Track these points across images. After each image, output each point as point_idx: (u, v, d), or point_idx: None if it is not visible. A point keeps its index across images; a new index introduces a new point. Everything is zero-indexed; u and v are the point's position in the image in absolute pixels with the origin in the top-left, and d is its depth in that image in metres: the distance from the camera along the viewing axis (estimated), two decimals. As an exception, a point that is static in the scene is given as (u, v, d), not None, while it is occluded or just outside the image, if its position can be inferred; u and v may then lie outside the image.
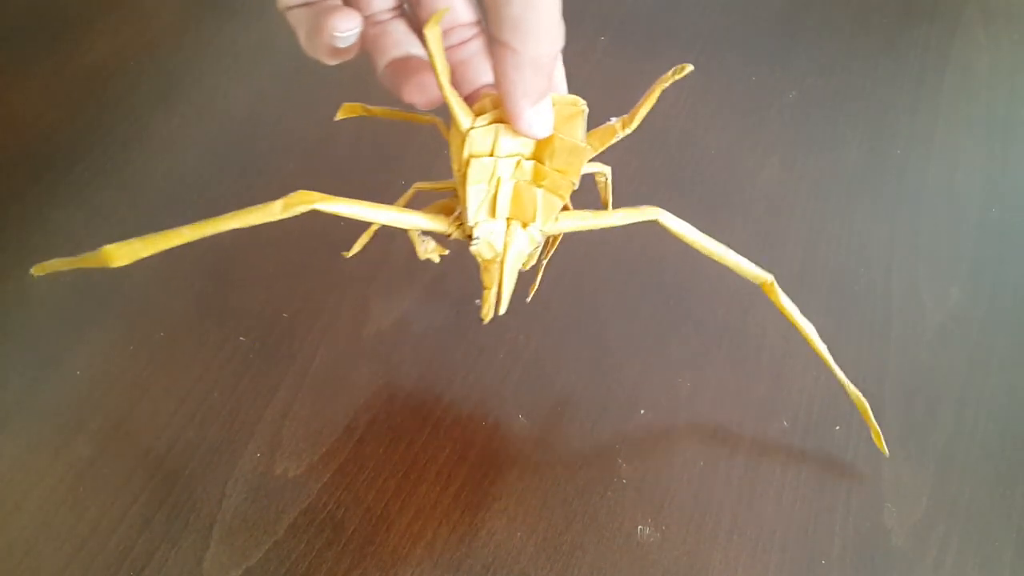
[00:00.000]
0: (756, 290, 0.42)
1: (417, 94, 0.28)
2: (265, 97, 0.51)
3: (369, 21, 0.29)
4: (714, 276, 0.43)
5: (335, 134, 0.49)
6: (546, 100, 0.26)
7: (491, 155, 0.27)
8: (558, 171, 0.27)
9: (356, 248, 0.40)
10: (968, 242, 0.44)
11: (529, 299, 0.39)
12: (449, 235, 0.29)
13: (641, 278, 0.42)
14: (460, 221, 0.29)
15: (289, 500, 0.35)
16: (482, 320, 0.30)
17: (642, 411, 0.38)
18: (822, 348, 0.33)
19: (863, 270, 0.43)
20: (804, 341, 0.40)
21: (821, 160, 0.48)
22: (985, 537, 0.34)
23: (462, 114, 0.26)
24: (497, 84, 0.25)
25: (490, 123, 0.26)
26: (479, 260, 0.29)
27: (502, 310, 0.30)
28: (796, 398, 0.38)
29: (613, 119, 0.29)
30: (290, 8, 0.29)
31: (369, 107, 0.33)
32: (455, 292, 0.42)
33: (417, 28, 0.30)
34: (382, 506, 0.35)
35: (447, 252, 0.40)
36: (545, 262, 0.36)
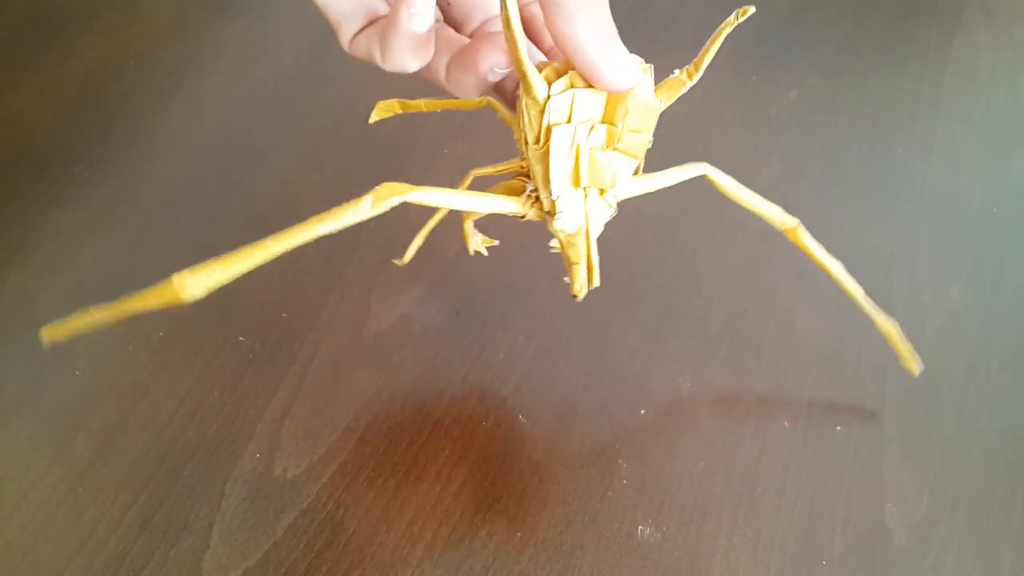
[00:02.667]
0: (756, 290, 0.43)
1: (490, 75, 0.27)
2: (265, 97, 0.51)
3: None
4: (714, 276, 0.43)
5: (335, 133, 0.49)
6: (620, 46, 0.25)
7: (568, 122, 0.26)
8: (632, 131, 0.26)
9: (409, 254, 0.40)
10: (968, 242, 0.44)
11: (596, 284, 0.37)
12: (523, 216, 0.28)
13: (641, 278, 0.42)
14: (533, 199, 0.28)
15: (289, 500, 0.35)
16: (575, 298, 0.29)
17: (642, 411, 0.38)
18: (849, 285, 0.33)
19: (863, 270, 0.43)
20: (804, 341, 0.40)
21: (821, 160, 0.48)
22: (986, 537, 0.34)
23: (538, 83, 0.25)
24: (563, 49, 0.25)
25: (565, 89, 0.25)
26: (560, 237, 0.28)
27: (596, 282, 0.28)
28: (796, 398, 0.38)
29: (677, 71, 0.28)
30: (354, 38, 0.29)
31: (407, 101, 0.32)
32: (455, 292, 0.42)
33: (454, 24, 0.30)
34: (382, 506, 0.35)
35: (497, 243, 0.40)
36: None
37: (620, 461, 0.36)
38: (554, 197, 0.27)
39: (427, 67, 0.28)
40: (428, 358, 0.39)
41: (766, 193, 0.34)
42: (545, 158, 0.26)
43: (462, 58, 0.27)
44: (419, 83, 0.30)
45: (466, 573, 0.33)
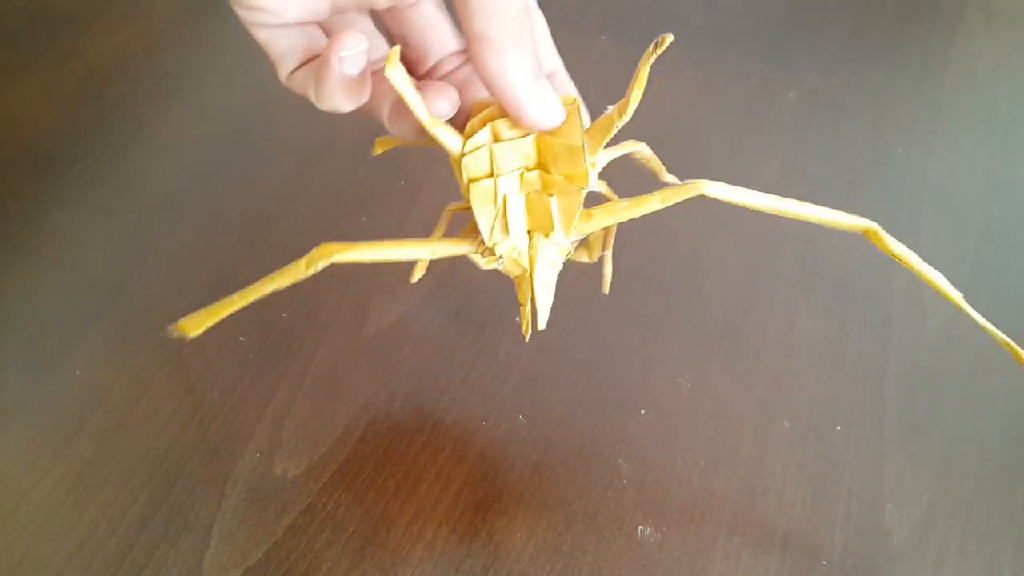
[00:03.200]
0: (756, 290, 0.43)
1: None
2: (265, 97, 0.51)
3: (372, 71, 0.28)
4: (714, 276, 0.43)
5: (335, 134, 0.49)
6: (545, 84, 0.26)
7: (490, 175, 0.26)
8: (565, 176, 0.26)
9: (417, 275, 0.40)
10: (969, 242, 0.44)
11: (607, 291, 0.37)
12: (480, 254, 0.29)
13: (641, 278, 0.42)
14: (484, 247, 0.29)
15: (289, 500, 0.35)
16: (524, 338, 0.29)
17: (642, 411, 0.38)
18: (954, 295, 0.31)
19: (863, 270, 0.43)
20: (804, 341, 0.40)
21: (822, 160, 0.48)
22: (986, 537, 0.34)
23: (450, 140, 0.26)
24: (488, 85, 0.25)
25: (484, 143, 0.26)
26: (512, 277, 0.29)
27: (541, 325, 0.28)
28: (796, 398, 0.38)
29: (609, 108, 0.28)
30: (291, 74, 0.29)
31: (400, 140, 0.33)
32: (455, 292, 0.42)
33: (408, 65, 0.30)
34: (382, 506, 0.35)
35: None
36: (609, 253, 0.35)
37: (620, 461, 0.36)
38: (489, 245, 0.27)
39: (372, 108, 0.29)
40: (428, 358, 0.39)
41: (766, 193, 0.34)
42: (469, 202, 0.27)
43: (399, 106, 0.28)
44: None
45: (466, 573, 0.33)
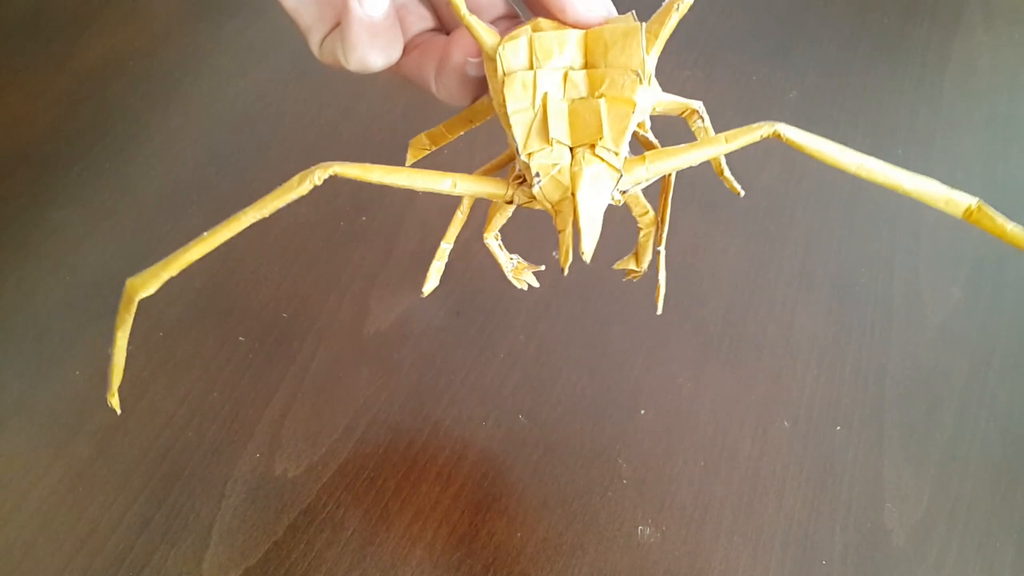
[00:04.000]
0: (756, 290, 0.43)
1: (468, 68, 0.26)
2: (265, 97, 0.51)
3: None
4: (714, 276, 0.43)
5: (335, 133, 0.49)
6: None
7: (530, 68, 0.23)
8: (618, 68, 0.23)
9: (429, 285, 0.39)
10: (969, 242, 0.44)
11: (660, 308, 0.32)
12: (510, 201, 0.25)
13: (641, 278, 0.42)
14: (521, 178, 0.24)
15: (289, 500, 0.35)
16: (562, 271, 0.24)
17: (642, 411, 0.38)
18: None
19: (863, 270, 0.43)
20: (804, 341, 0.40)
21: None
22: (986, 537, 0.34)
23: (486, 33, 0.23)
24: None
25: (518, 37, 0.23)
26: (548, 208, 0.24)
27: (586, 251, 0.22)
28: (796, 398, 0.38)
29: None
30: (322, 42, 0.27)
31: (432, 133, 0.30)
32: (455, 292, 0.42)
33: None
34: (382, 506, 0.35)
35: (543, 267, 0.36)
36: (662, 250, 0.30)
37: (620, 461, 0.36)
38: (523, 157, 0.23)
39: (419, 76, 0.27)
40: (428, 358, 0.39)
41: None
42: (503, 100, 0.23)
43: (440, 59, 0.26)
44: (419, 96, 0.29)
45: (466, 573, 0.33)
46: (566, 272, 0.23)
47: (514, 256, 0.35)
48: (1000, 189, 0.47)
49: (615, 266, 0.32)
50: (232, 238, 0.44)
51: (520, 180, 0.24)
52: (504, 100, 0.23)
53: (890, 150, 0.49)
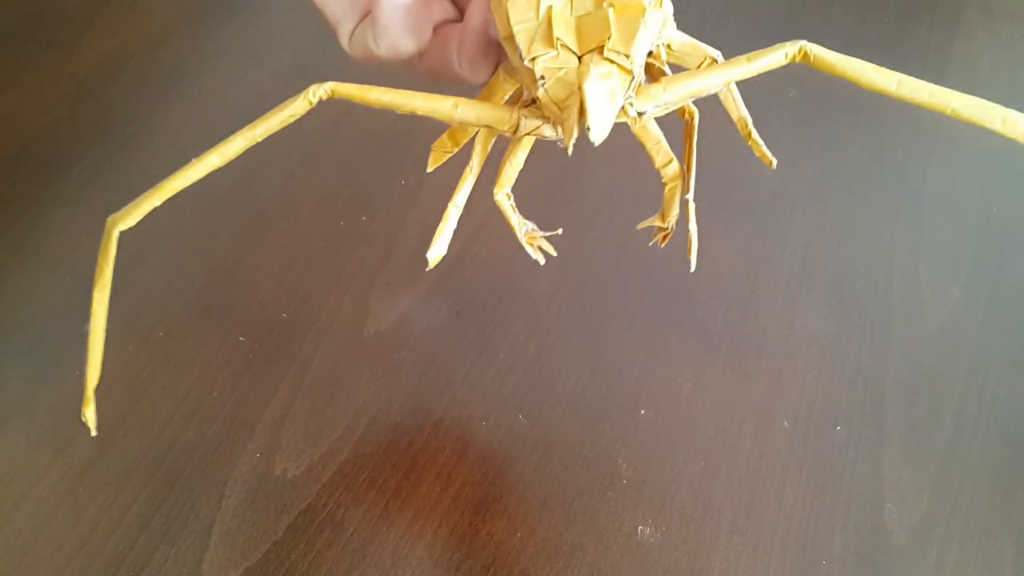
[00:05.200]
0: (756, 290, 0.43)
1: (490, 28, 0.25)
2: (265, 97, 0.51)
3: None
4: (714, 276, 0.43)
5: (335, 133, 0.49)
6: None
7: None
8: None
9: (434, 250, 0.31)
10: (969, 242, 0.44)
11: (694, 264, 0.29)
12: (515, 130, 0.23)
13: (641, 278, 0.42)
14: (528, 103, 0.23)
15: (289, 500, 0.35)
16: (566, 149, 0.22)
17: (642, 411, 0.38)
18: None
19: (864, 270, 0.43)
20: (804, 341, 0.40)
21: (822, 160, 0.48)
22: (986, 537, 0.34)
23: None
24: None
25: None
26: (552, 111, 0.22)
27: (595, 135, 0.21)
28: (796, 398, 0.38)
29: None
30: (351, 35, 0.28)
31: (454, 132, 0.29)
32: (455, 292, 0.42)
33: None
34: (382, 506, 0.35)
35: (559, 231, 0.33)
36: (690, 198, 0.28)
37: (620, 461, 0.36)
38: (527, 63, 0.22)
39: (441, 60, 0.27)
40: (428, 358, 0.39)
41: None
42: (507, 20, 0.22)
43: (463, 29, 0.26)
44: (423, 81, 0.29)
45: (466, 573, 0.33)
46: (570, 151, 0.21)
47: (529, 221, 0.32)
48: (1000, 189, 0.47)
49: (639, 226, 0.29)
50: (233, 239, 0.44)
51: (527, 104, 0.23)
52: (507, 18, 0.22)
53: (890, 150, 0.49)
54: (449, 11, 0.28)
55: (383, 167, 0.47)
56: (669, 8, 0.25)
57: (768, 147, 0.49)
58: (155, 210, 0.46)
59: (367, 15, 0.28)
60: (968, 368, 0.39)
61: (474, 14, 0.25)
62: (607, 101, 0.21)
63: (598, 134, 0.20)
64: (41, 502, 0.35)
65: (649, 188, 0.47)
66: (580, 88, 0.20)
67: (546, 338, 0.40)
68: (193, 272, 0.42)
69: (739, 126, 0.30)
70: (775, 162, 0.30)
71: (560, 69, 0.21)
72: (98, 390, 0.38)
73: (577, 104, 0.20)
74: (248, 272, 0.42)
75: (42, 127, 0.49)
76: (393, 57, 0.27)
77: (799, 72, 0.53)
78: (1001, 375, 0.39)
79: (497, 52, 0.26)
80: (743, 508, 0.35)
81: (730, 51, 0.59)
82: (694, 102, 0.27)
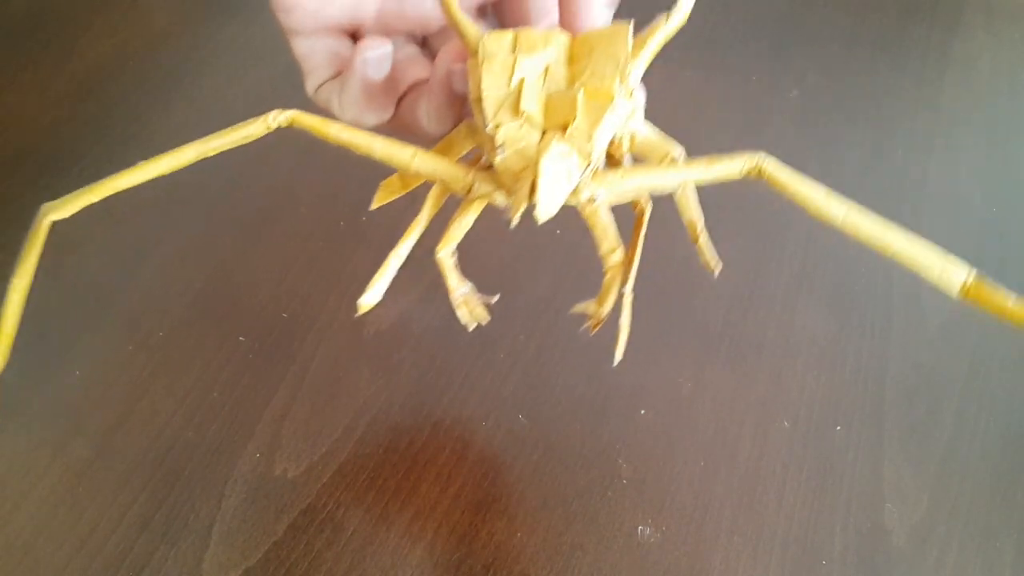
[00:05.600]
0: (756, 290, 0.43)
1: (454, 79, 0.26)
2: (265, 97, 0.51)
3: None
4: (714, 276, 0.43)
5: (335, 134, 0.49)
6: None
7: (512, 53, 0.23)
8: (600, 61, 0.22)
9: (369, 296, 0.30)
10: (969, 242, 0.44)
11: (617, 360, 0.30)
12: (468, 189, 0.24)
13: (641, 278, 0.42)
14: (486, 166, 0.24)
15: (289, 500, 0.35)
16: (509, 223, 0.22)
17: (642, 411, 0.38)
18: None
19: (864, 270, 0.43)
20: (804, 341, 0.40)
21: (822, 159, 0.48)
22: (986, 537, 0.34)
23: (472, 28, 0.23)
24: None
25: (504, 32, 0.23)
26: (506, 180, 0.22)
27: (542, 213, 0.21)
28: (796, 398, 0.38)
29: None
30: (319, 87, 0.29)
31: (404, 178, 0.29)
32: (455, 292, 0.41)
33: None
34: (382, 506, 0.35)
35: (495, 298, 0.33)
36: (628, 291, 0.28)
37: (620, 461, 0.36)
38: (490, 129, 0.22)
39: (411, 115, 0.28)
40: (428, 358, 0.39)
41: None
42: (479, 84, 0.22)
43: (430, 80, 0.27)
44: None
45: (466, 573, 0.33)
46: (514, 223, 0.21)
47: (467, 282, 0.32)
48: (1000, 189, 0.47)
49: (573, 310, 0.30)
50: (233, 239, 0.44)
51: (484, 168, 0.23)
52: (480, 82, 0.22)
53: (890, 150, 0.49)
54: (424, 71, 0.29)
55: (383, 167, 0.47)
56: (640, 99, 0.25)
57: (768, 147, 0.49)
58: (155, 210, 0.46)
59: (339, 75, 0.28)
60: (968, 368, 0.39)
61: (440, 65, 0.26)
62: (560, 181, 0.21)
63: (545, 212, 0.21)
64: (41, 502, 0.35)
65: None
66: (536, 163, 0.21)
67: (546, 338, 0.40)
68: (193, 272, 0.42)
69: (688, 227, 0.29)
70: (718, 269, 0.30)
71: (521, 141, 0.22)
72: (98, 390, 0.38)
73: (531, 179, 0.21)
74: (248, 272, 0.42)
75: (42, 127, 0.49)
76: (352, 125, 0.27)
77: (799, 72, 0.53)
78: (1001, 375, 0.39)
79: (461, 106, 0.26)
80: (743, 508, 0.35)
81: (731, 51, 0.59)
82: (651, 196, 0.27)
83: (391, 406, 0.38)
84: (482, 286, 0.43)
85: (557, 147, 0.21)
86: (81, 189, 0.25)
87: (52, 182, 0.46)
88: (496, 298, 0.31)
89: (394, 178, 0.29)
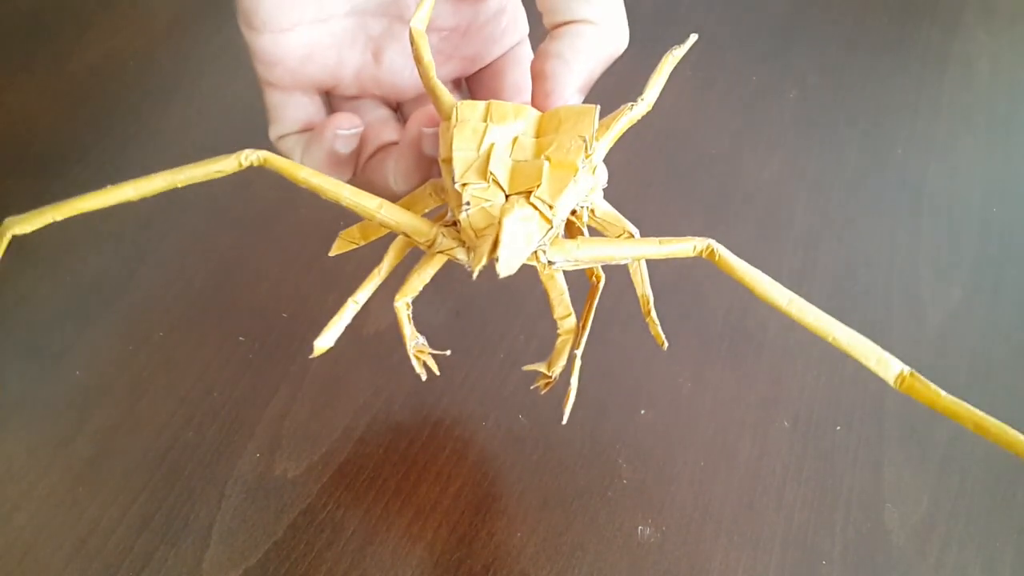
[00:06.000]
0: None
1: (424, 143, 0.27)
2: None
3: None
4: (714, 276, 0.43)
5: (335, 134, 0.49)
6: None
7: (483, 121, 0.24)
8: (567, 135, 0.23)
9: (322, 340, 0.29)
10: (969, 242, 0.44)
11: (566, 419, 0.30)
12: (431, 243, 0.25)
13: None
14: (450, 223, 0.25)
15: (289, 500, 0.35)
16: (471, 275, 0.23)
17: (642, 411, 0.38)
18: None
19: (863, 270, 0.43)
20: (804, 341, 0.40)
21: (822, 160, 0.48)
22: (986, 537, 0.34)
23: (446, 96, 0.25)
24: (551, 66, 0.25)
25: (477, 101, 0.24)
26: (469, 236, 0.23)
27: (504, 268, 0.22)
28: (796, 398, 0.38)
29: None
30: (283, 136, 0.29)
31: (365, 227, 0.29)
32: (455, 292, 0.42)
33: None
34: (382, 506, 0.35)
35: (447, 352, 0.33)
36: (579, 354, 0.29)
37: (620, 461, 0.36)
38: (457, 186, 0.23)
39: (379, 175, 0.28)
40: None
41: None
42: (450, 145, 0.23)
43: (401, 142, 0.27)
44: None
45: (466, 573, 0.33)
46: (475, 276, 0.22)
47: (420, 335, 0.32)
48: (1000, 189, 0.47)
49: (524, 368, 0.31)
50: (233, 238, 0.44)
51: (448, 224, 0.24)
52: (451, 144, 0.23)
53: (890, 150, 0.49)
54: (394, 135, 0.29)
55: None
56: (603, 178, 0.26)
57: (768, 147, 0.49)
58: (156, 210, 0.46)
59: (305, 130, 0.29)
60: (968, 368, 0.39)
61: (412, 127, 0.26)
62: (521, 241, 0.22)
63: (505, 269, 0.22)
64: (41, 502, 0.35)
65: (645, 192, 0.47)
66: (499, 222, 0.21)
67: (546, 338, 0.40)
68: (193, 272, 0.42)
69: (641, 302, 0.31)
70: (667, 344, 0.32)
71: (486, 201, 0.23)
72: (98, 390, 0.38)
73: (493, 236, 0.22)
74: (248, 272, 0.42)
75: (42, 127, 0.49)
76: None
77: (799, 72, 0.53)
78: (1001, 375, 0.39)
79: (428, 167, 0.27)
80: (743, 508, 0.35)
81: (731, 52, 0.59)
82: (604, 269, 0.28)
83: (391, 406, 0.38)
84: (482, 286, 0.43)
85: (520, 210, 0.22)
86: (46, 207, 0.25)
87: (52, 182, 0.46)
88: (448, 352, 0.33)
89: (354, 229, 0.30)
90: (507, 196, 0.23)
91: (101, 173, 0.47)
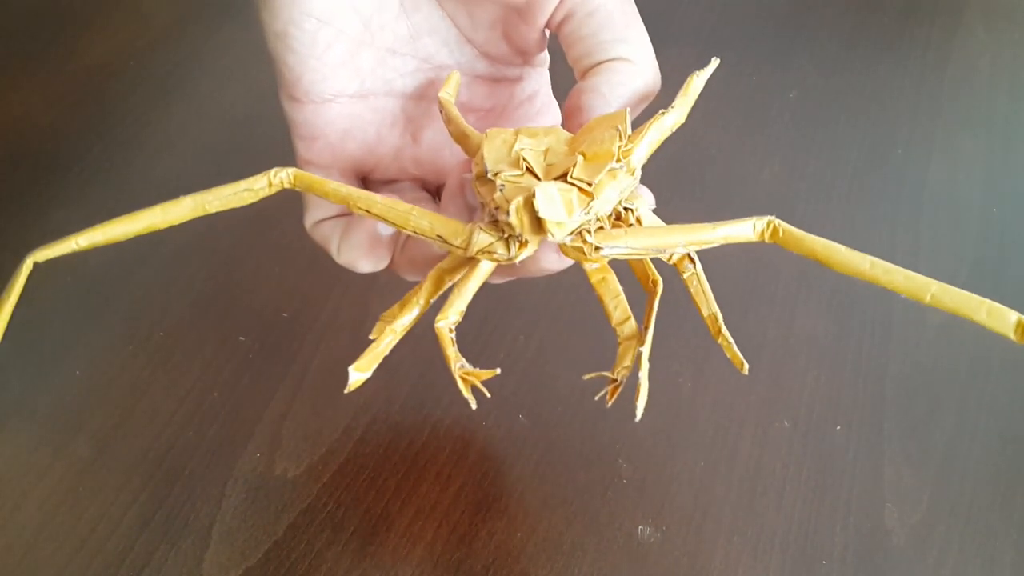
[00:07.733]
0: (756, 290, 0.43)
1: (468, 194, 0.26)
2: (265, 97, 0.51)
3: None
4: (714, 276, 0.42)
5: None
6: None
7: (514, 135, 0.24)
8: (599, 131, 0.23)
9: (357, 375, 0.27)
10: (969, 242, 0.44)
11: (638, 417, 0.27)
12: (467, 244, 0.23)
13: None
14: (490, 220, 0.24)
15: (289, 500, 0.35)
16: (512, 264, 0.23)
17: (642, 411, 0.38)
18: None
19: (863, 270, 0.43)
20: (804, 341, 0.40)
21: (822, 160, 0.48)
22: (986, 537, 0.34)
23: (476, 134, 0.25)
24: (587, 100, 0.24)
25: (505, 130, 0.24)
26: (505, 221, 0.22)
27: (555, 229, 0.21)
28: (796, 398, 0.38)
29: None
30: (320, 222, 0.29)
31: (378, 351, 0.27)
32: (455, 292, 0.41)
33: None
34: (382, 506, 0.35)
35: (497, 371, 0.30)
36: (645, 350, 0.27)
37: (620, 461, 0.36)
38: (490, 175, 0.22)
39: (414, 256, 0.28)
40: (428, 358, 0.39)
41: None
42: (482, 158, 0.23)
43: (442, 199, 0.27)
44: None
45: (466, 573, 0.33)
46: (517, 261, 0.22)
47: (462, 358, 0.29)
48: (1000, 189, 0.47)
49: (586, 376, 0.29)
50: (233, 238, 0.44)
51: (489, 221, 0.23)
52: (483, 159, 0.23)
53: (890, 150, 0.49)
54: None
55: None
56: (648, 197, 0.26)
57: (769, 147, 0.49)
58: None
59: (341, 216, 0.28)
60: (968, 368, 0.39)
61: (453, 178, 0.26)
62: (560, 205, 0.21)
63: (557, 231, 0.21)
64: (41, 502, 0.35)
65: (650, 187, 0.46)
66: (534, 190, 0.21)
67: (546, 338, 0.40)
68: (193, 272, 0.42)
69: (708, 323, 0.28)
70: (747, 367, 0.29)
71: (520, 181, 0.22)
72: (98, 390, 0.38)
73: (531, 210, 0.21)
74: (248, 272, 0.42)
75: (42, 127, 0.49)
76: (346, 266, 0.28)
77: (799, 72, 0.53)
78: (1001, 375, 0.39)
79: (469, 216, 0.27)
80: (743, 508, 0.35)
81: (731, 52, 0.59)
82: (659, 271, 0.27)
83: (391, 406, 0.38)
84: (482, 286, 0.42)
85: (558, 184, 0.21)
86: (69, 236, 0.25)
87: (52, 182, 0.46)
88: (498, 371, 0.30)
89: (395, 308, 0.28)
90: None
91: (101, 173, 0.47)
